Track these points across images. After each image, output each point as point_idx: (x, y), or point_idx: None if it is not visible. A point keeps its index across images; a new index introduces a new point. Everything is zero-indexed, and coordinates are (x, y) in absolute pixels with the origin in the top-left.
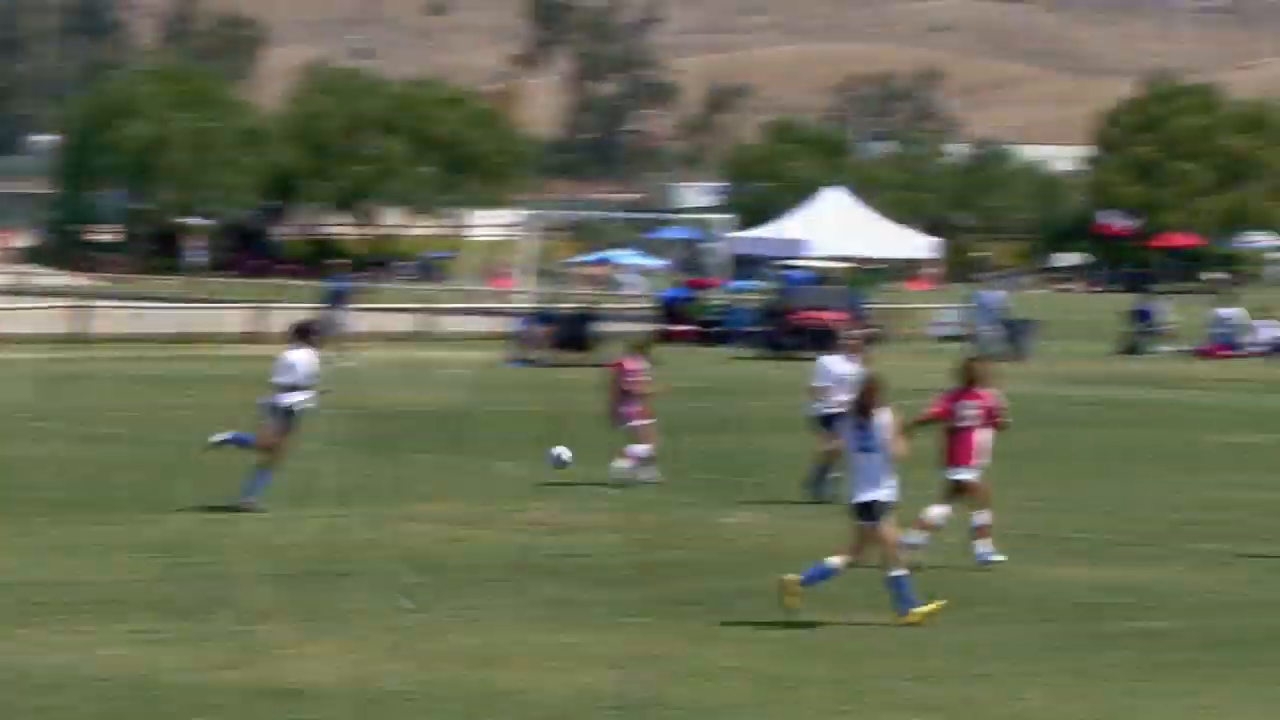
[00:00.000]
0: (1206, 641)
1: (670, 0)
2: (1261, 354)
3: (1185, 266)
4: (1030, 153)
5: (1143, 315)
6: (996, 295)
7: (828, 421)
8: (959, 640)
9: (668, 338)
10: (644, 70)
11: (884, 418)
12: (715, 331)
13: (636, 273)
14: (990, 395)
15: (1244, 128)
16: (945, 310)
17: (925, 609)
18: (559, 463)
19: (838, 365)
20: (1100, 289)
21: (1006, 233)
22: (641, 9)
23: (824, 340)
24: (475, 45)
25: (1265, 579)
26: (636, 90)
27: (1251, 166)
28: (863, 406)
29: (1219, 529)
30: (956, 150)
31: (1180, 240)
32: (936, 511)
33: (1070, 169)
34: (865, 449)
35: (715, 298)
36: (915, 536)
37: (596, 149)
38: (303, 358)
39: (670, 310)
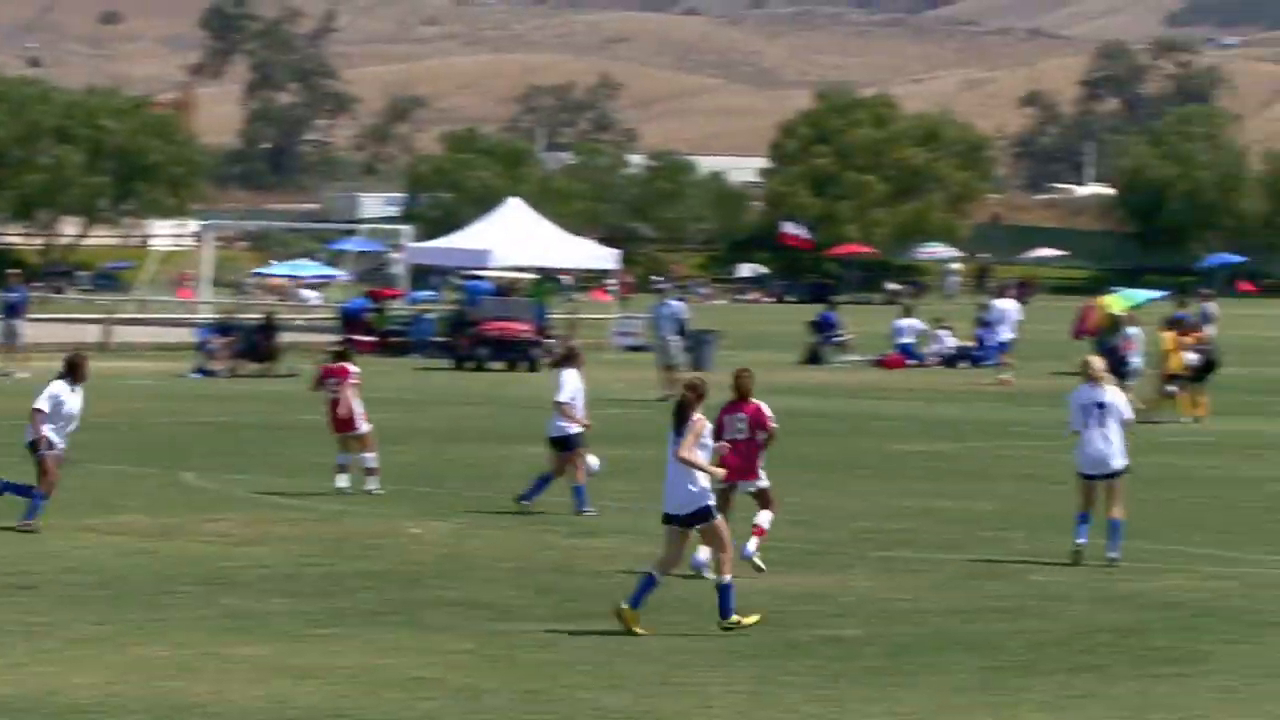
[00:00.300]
0: (892, 648)
1: (346, 10)
2: (940, 364)
3: (867, 277)
4: (710, 164)
5: (824, 325)
6: (677, 306)
7: (564, 442)
8: (649, 649)
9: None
10: (321, 80)
11: (697, 425)
12: (399, 342)
13: (317, 283)
14: (758, 406)
15: (919, 140)
16: (627, 321)
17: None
18: (589, 472)
19: (576, 380)
20: (780, 300)
21: (688, 243)
22: (317, 19)
23: (508, 350)
24: (150, 55)
25: (946, 585)
26: (314, 100)
27: (927, 179)
28: (681, 411)
29: (901, 537)
30: (637, 161)
31: (858, 250)
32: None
33: (750, 180)
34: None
35: (398, 308)
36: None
37: (274, 158)
38: (64, 391)
39: (352, 321)
